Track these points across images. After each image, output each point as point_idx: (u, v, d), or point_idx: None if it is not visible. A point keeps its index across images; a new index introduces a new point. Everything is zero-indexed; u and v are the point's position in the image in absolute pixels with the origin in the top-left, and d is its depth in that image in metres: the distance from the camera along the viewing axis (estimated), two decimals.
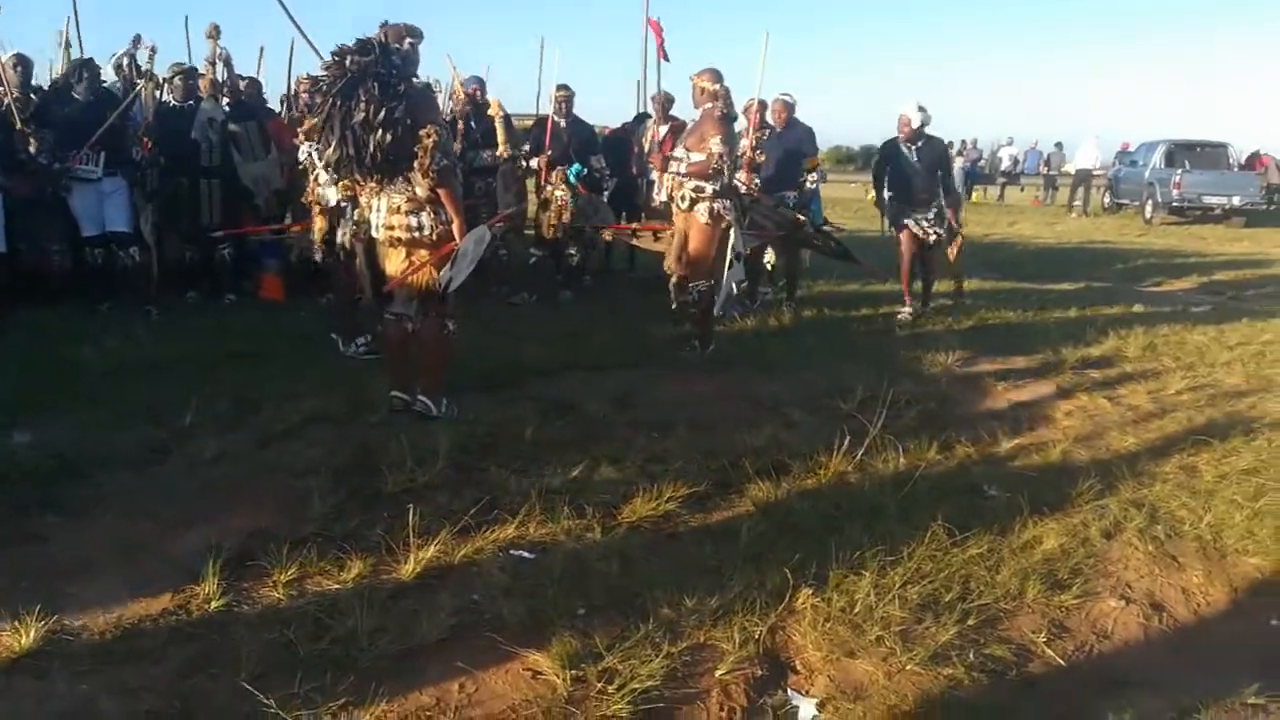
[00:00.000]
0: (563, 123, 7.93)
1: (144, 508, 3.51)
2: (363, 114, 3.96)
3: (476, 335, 5.51)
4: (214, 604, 2.87)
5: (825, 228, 7.66)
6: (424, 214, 4.22)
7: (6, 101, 6.64)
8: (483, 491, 3.73)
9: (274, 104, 8.66)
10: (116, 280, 6.94)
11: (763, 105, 7.60)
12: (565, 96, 8.05)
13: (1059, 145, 25.32)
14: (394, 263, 4.36)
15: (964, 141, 25.84)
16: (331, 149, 4.05)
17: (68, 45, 7.89)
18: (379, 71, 3.98)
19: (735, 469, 4.03)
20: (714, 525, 3.59)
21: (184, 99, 7.19)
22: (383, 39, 4.05)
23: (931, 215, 7.35)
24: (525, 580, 3.10)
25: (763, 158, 7.35)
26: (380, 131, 3.97)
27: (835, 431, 4.31)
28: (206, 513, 3.49)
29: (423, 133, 4.02)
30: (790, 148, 7.61)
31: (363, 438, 4.26)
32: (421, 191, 4.17)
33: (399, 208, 4.23)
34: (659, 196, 6.47)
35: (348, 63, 3.98)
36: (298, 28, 4.05)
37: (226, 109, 7.44)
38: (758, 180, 7.20)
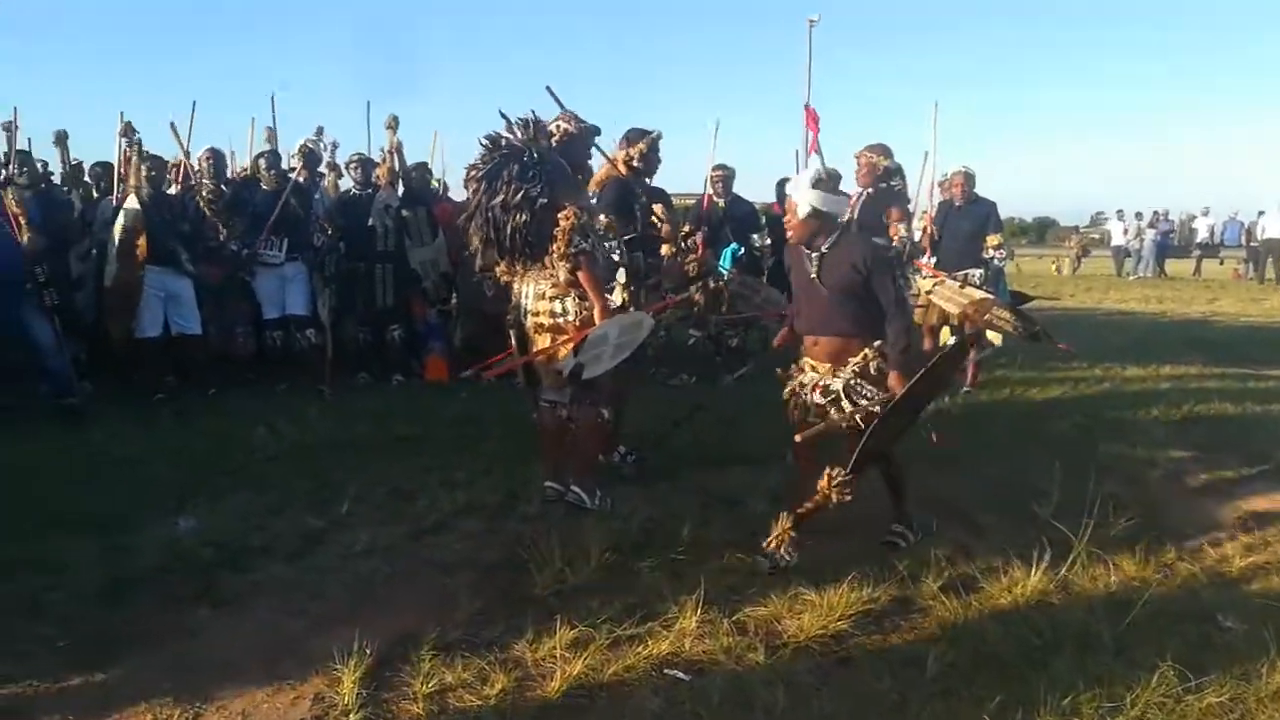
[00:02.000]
0: (721, 202, 7.79)
1: (293, 603, 3.44)
2: (502, 196, 3.89)
3: (632, 422, 5.30)
4: (352, 716, 2.70)
5: (1021, 307, 6.61)
6: (568, 299, 4.10)
7: (200, 194, 7.12)
8: (636, 597, 3.47)
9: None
10: (294, 362, 7.23)
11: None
12: (723, 176, 7.93)
13: (1262, 214, 23.28)
14: (538, 346, 4.25)
15: (1155, 213, 24.27)
16: (475, 232, 4.00)
17: (270, 137, 8.44)
18: (522, 154, 3.92)
19: (916, 582, 3.60)
20: (893, 650, 3.17)
21: (362, 187, 7.50)
22: (535, 122, 4.01)
23: (840, 383, 3.82)
24: (680, 706, 2.81)
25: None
26: (517, 214, 3.89)
27: (1032, 541, 3.81)
28: (353, 611, 3.38)
29: (560, 215, 3.91)
30: (973, 223, 7.15)
31: (514, 531, 4.10)
32: (563, 275, 4.06)
33: (544, 293, 4.14)
34: None
35: (497, 146, 3.95)
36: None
37: (399, 196, 7.72)
38: (934, 259, 6.78)
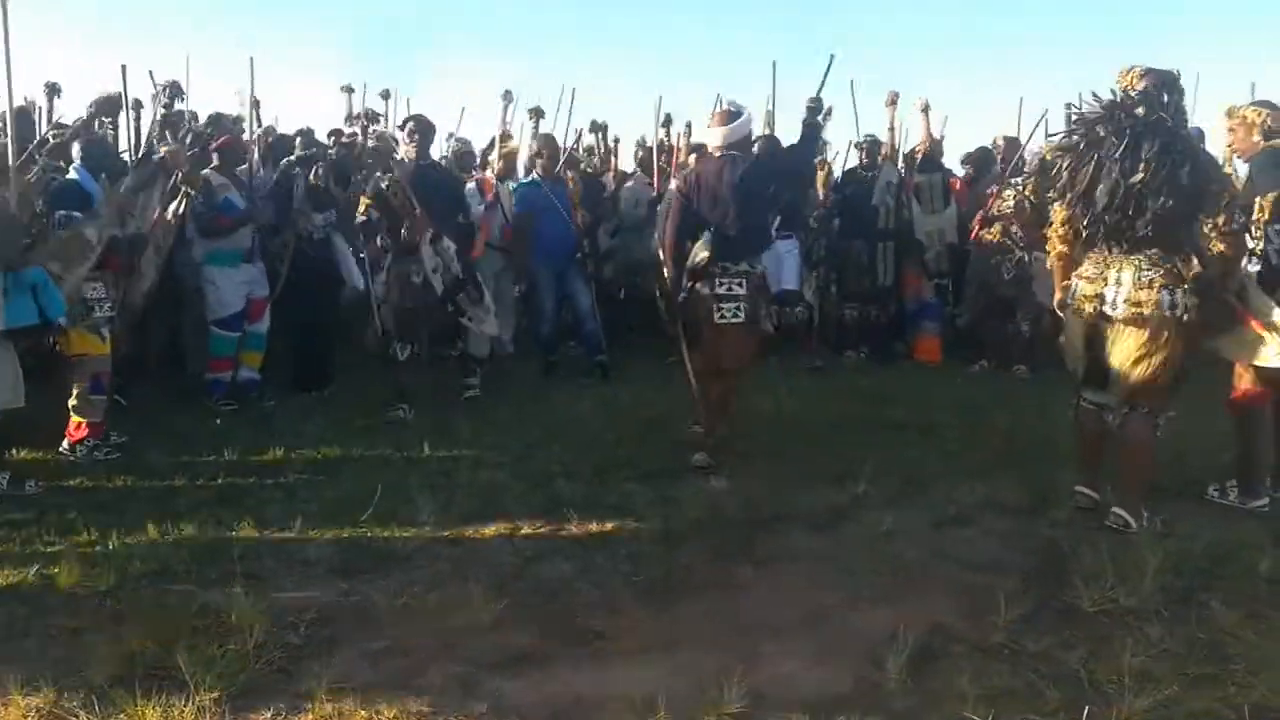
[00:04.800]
0: None
1: (825, 573, 3.53)
2: (1141, 175, 3.59)
3: (1196, 430, 4.67)
4: (899, 702, 2.68)
5: None
6: (1178, 291, 3.69)
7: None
8: (1206, 634, 3.03)
9: None
10: (782, 334, 7.51)
11: None
12: None
13: None
14: (1128, 346, 3.81)
15: None
16: (1095, 211, 3.71)
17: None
18: (1163, 128, 3.63)
19: None
20: None
21: (867, 169, 7.56)
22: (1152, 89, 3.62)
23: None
24: None
25: None
26: (1157, 197, 3.59)
27: None
28: (884, 592, 3.38)
29: (1222, 191, 3.65)
30: None
31: (1047, 536, 3.83)
32: (1192, 262, 3.71)
33: (1151, 281, 3.73)
34: None
35: (1122, 117, 3.64)
36: None
37: (903, 167, 7.69)
38: None
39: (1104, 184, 3.66)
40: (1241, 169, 4.13)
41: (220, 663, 2.75)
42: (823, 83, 4.89)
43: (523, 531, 3.91)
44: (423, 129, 5.86)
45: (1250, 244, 3.90)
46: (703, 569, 3.54)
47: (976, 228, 7.17)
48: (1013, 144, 7.63)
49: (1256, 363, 3.97)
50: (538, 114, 8.59)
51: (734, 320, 4.64)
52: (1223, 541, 3.70)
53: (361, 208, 5.68)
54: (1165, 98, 3.64)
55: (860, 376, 7.06)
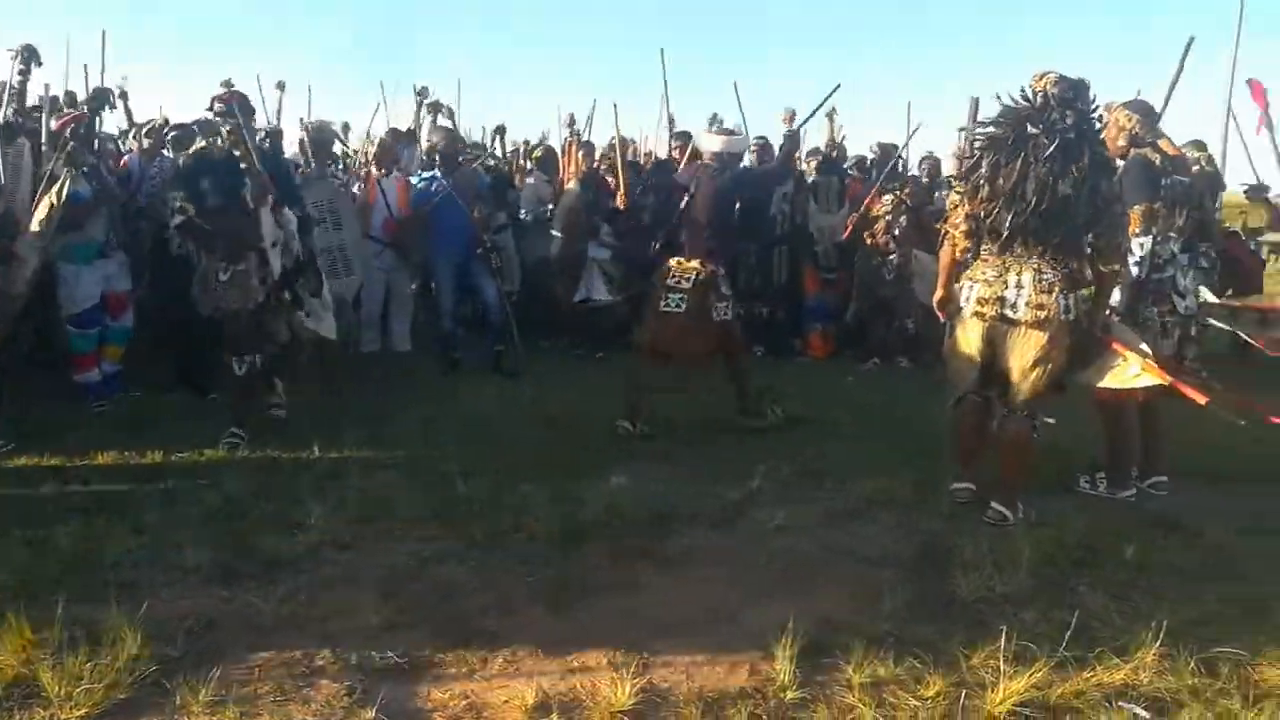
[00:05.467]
0: None
1: (721, 569, 3.57)
2: (1070, 181, 3.71)
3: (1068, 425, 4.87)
4: (789, 694, 2.73)
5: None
6: (1071, 296, 3.86)
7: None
8: (1074, 617, 3.18)
9: None
10: None
11: None
12: None
13: None
14: (1028, 349, 3.89)
15: None
16: (1021, 209, 3.77)
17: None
18: (1097, 141, 3.83)
19: None
20: None
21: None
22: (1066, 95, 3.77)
23: None
24: None
25: None
26: (1080, 207, 3.75)
27: None
28: (776, 587, 3.43)
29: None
30: None
31: (931, 529, 3.95)
32: (1084, 270, 3.89)
33: (1052, 286, 3.83)
34: None
35: (1055, 119, 3.74)
36: None
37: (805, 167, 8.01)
38: None
39: (1031, 183, 3.72)
40: None
41: (89, 679, 2.61)
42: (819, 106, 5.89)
43: (416, 533, 3.83)
44: (239, 108, 5.10)
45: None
46: (600, 568, 3.53)
47: (849, 228, 7.42)
48: (887, 149, 7.98)
49: (1116, 384, 4.07)
50: (435, 108, 8.51)
51: (675, 310, 5.16)
52: (1093, 531, 3.90)
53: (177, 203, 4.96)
54: (1081, 106, 3.77)
55: (756, 374, 7.13)
